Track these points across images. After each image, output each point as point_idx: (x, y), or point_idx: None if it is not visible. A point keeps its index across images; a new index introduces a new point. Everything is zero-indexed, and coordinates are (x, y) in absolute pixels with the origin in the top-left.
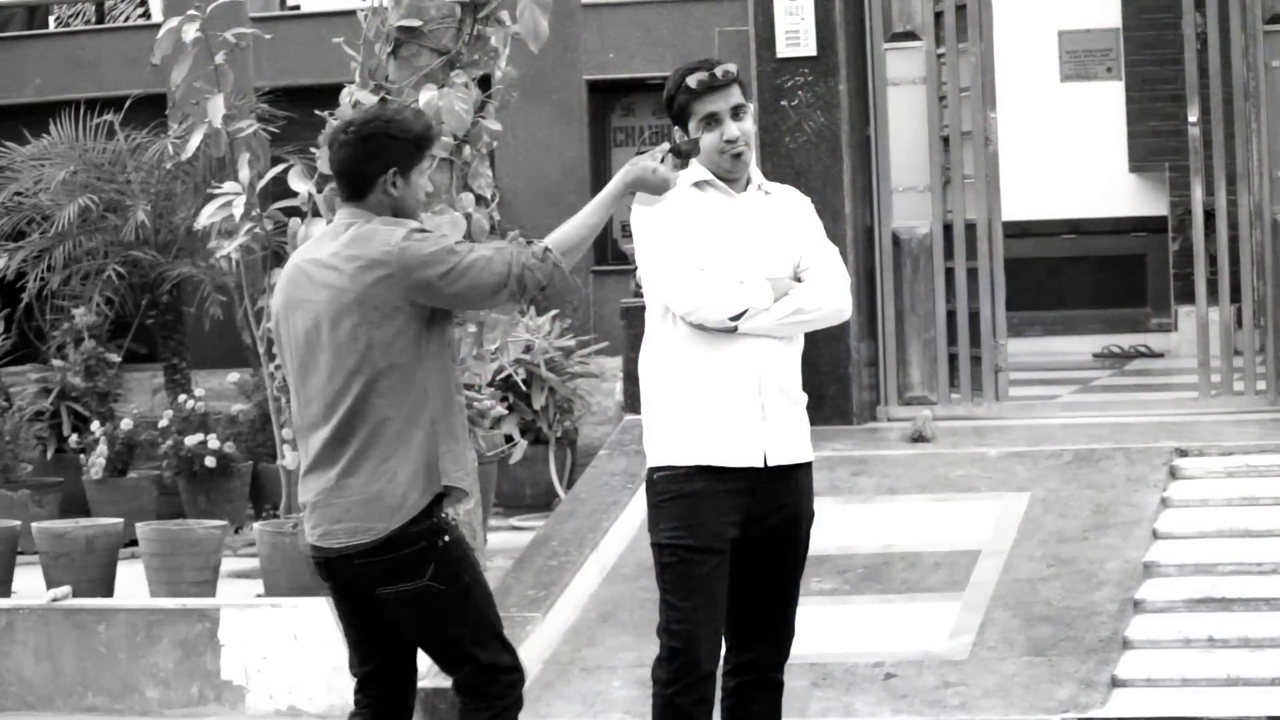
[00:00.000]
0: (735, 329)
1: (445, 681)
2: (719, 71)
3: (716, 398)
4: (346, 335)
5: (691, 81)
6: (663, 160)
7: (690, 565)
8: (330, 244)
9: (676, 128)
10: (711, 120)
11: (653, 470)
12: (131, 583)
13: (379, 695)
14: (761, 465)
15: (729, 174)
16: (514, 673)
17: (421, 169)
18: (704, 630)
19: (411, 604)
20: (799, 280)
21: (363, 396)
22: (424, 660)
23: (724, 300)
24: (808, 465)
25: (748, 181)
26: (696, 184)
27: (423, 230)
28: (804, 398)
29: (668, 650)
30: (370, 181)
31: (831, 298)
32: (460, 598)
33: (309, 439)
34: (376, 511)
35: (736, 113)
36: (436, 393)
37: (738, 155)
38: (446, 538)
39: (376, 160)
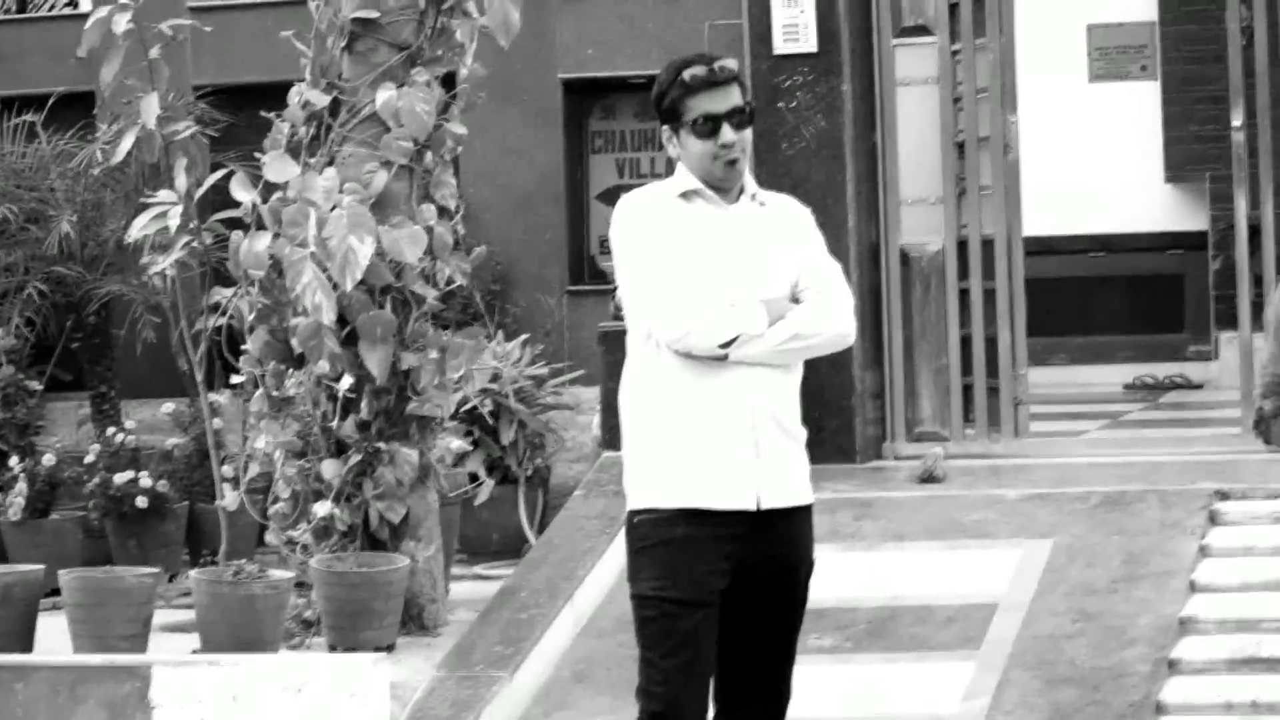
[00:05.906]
0: (726, 357)
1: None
2: (718, 67)
3: (705, 433)
4: None
5: (687, 76)
6: None
7: (674, 619)
8: None
9: (666, 128)
10: (705, 122)
11: (633, 513)
12: (53, 636)
13: None
14: (754, 508)
15: (720, 183)
16: None
17: None
18: (688, 692)
19: None
20: (797, 301)
21: None
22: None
23: (713, 325)
24: (807, 509)
25: (740, 190)
26: (683, 194)
27: None
28: (803, 433)
29: (648, 715)
30: None
31: (833, 321)
32: None
33: None
34: None
35: (733, 117)
36: None
37: (731, 163)
38: None
39: None
